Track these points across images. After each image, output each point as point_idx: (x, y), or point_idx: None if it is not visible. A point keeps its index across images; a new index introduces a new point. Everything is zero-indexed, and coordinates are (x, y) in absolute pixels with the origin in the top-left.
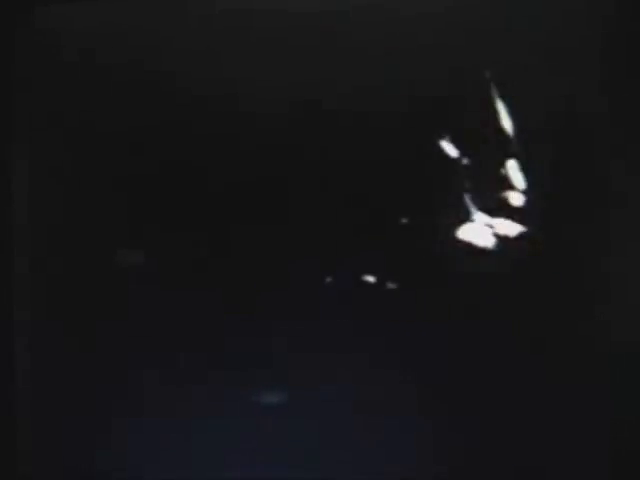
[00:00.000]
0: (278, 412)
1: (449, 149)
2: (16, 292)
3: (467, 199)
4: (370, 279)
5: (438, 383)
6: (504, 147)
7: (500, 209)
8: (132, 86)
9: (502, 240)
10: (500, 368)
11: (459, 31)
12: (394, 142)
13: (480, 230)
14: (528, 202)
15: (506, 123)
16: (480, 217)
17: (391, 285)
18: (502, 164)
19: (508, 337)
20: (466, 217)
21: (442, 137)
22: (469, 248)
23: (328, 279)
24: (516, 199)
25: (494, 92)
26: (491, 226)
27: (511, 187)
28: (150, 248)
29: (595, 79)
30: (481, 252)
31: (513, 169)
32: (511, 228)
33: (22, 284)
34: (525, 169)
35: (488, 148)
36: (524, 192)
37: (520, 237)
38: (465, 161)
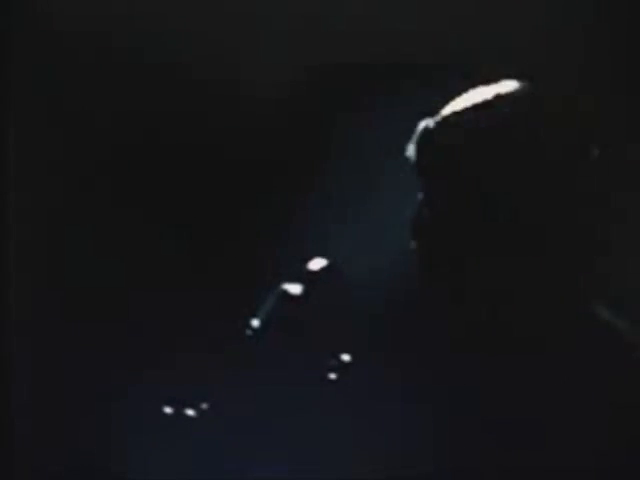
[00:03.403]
0: (277, 412)
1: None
2: (16, 291)
3: None
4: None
5: (432, 380)
6: None
7: None
8: (130, 74)
9: None
10: (494, 366)
11: (457, 27)
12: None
13: None
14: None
15: None
16: None
17: (387, 281)
18: None
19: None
20: None
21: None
22: None
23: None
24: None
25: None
26: None
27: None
28: (151, 246)
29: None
30: None
31: None
32: None
33: (22, 283)
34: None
35: None
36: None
37: None
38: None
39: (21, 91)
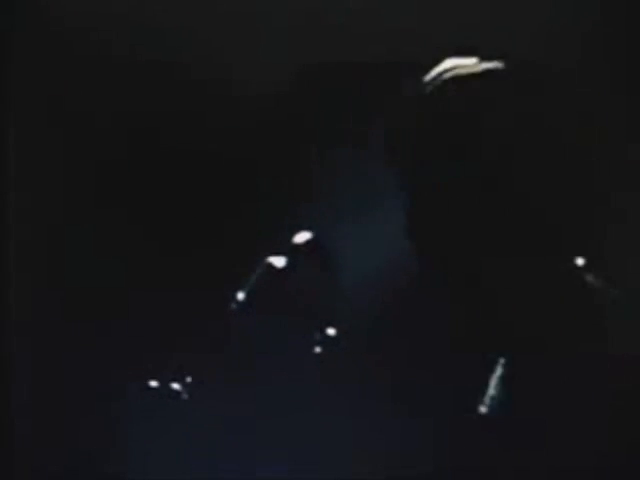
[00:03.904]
0: (275, 413)
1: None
2: (16, 291)
3: None
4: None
5: (432, 380)
6: None
7: None
8: (131, 73)
9: None
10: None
11: (458, 26)
12: None
13: None
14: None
15: None
16: None
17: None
18: None
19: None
20: None
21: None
22: None
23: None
24: None
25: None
26: None
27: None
28: (152, 247)
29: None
30: None
31: None
32: None
33: (22, 283)
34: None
35: None
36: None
37: None
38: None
39: (21, 91)
